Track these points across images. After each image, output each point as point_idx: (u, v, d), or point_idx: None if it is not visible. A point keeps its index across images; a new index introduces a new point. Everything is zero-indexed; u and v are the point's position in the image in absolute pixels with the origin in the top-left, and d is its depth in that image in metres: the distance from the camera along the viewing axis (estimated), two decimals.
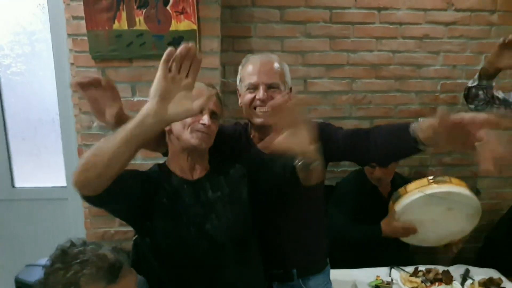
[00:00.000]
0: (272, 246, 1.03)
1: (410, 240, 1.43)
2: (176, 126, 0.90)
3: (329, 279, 1.17)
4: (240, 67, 1.05)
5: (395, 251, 1.55)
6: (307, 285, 1.08)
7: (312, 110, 1.86)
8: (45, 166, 1.92)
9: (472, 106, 1.35)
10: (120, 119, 0.87)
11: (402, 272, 1.44)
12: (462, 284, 1.38)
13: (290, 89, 1.05)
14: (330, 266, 1.17)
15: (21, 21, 1.79)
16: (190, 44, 0.65)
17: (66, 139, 1.82)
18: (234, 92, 1.73)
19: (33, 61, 1.83)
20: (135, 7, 1.47)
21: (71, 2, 1.48)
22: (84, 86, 0.85)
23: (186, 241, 0.88)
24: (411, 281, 1.37)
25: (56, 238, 2.06)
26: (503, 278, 1.40)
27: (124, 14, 1.47)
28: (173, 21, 1.49)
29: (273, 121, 0.77)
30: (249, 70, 0.99)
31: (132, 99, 1.53)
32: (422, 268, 1.45)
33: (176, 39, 1.50)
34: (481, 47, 1.87)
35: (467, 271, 1.46)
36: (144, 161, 1.55)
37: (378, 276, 1.41)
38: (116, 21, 1.47)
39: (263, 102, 0.96)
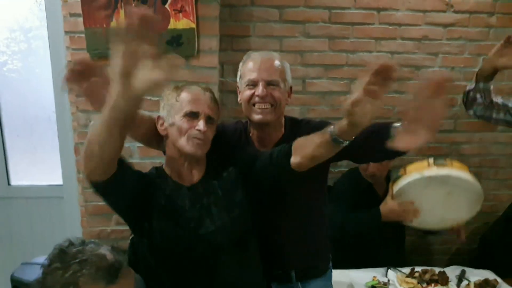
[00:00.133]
0: (271, 246, 1.03)
1: (410, 222, 1.38)
2: (172, 132, 0.90)
3: (331, 284, 1.17)
4: (240, 64, 1.04)
5: (392, 252, 1.56)
6: None
7: (311, 110, 1.86)
8: (41, 164, 1.91)
9: (471, 112, 1.32)
10: None
11: (398, 273, 1.45)
12: (458, 285, 1.38)
13: (291, 88, 1.05)
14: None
15: (17, 18, 1.77)
16: (137, 9, 0.57)
17: (63, 137, 1.81)
18: (233, 91, 1.73)
19: (30, 58, 1.82)
20: (133, 4, 1.45)
21: None
22: (72, 79, 0.81)
23: (183, 244, 0.88)
24: (407, 282, 1.38)
25: (52, 236, 2.06)
26: (499, 280, 1.41)
27: (122, 12, 1.46)
28: (171, 20, 1.48)
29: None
30: (249, 67, 0.99)
31: None
32: (418, 269, 1.45)
33: (175, 38, 1.49)
34: (479, 49, 1.88)
35: (463, 272, 1.46)
36: (142, 160, 1.54)
37: (374, 277, 1.41)
38: (114, 18, 1.46)
39: (262, 98, 0.96)
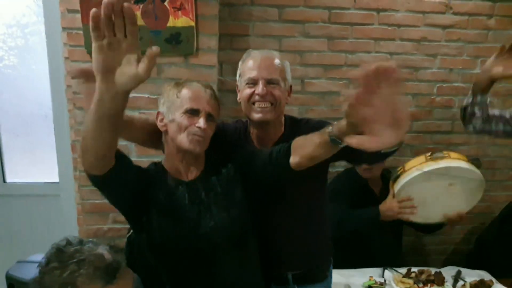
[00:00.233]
0: (269, 247, 1.03)
1: (415, 218, 1.39)
2: (172, 129, 0.89)
3: None
4: (240, 62, 1.03)
5: (388, 252, 1.56)
6: None
7: (309, 110, 1.86)
8: (37, 162, 1.90)
9: (470, 127, 1.28)
10: None
11: (395, 273, 1.45)
12: (454, 285, 1.39)
13: (290, 87, 1.04)
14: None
15: (14, 13, 1.75)
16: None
17: (60, 135, 1.79)
18: (232, 90, 1.73)
19: (26, 54, 1.80)
20: (132, 1, 1.44)
21: None
22: (87, 75, 0.82)
23: (182, 240, 0.88)
24: (403, 282, 1.39)
25: (48, 234, 2.05)
26: (494, 280, 1.42)
27: None
28: (170, 17, 1.47)
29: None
30: (249, 65, 0.98)
31: None
32: (414, 269, 1.46)
33: (174, 36, 1.48)
34: (478, 51, 1.89)
35: (459, 272, 1.47)
36: (139, 158, 1.53)
37: (371, 277, 1.42)
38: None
39: (262, 97, 0.95)
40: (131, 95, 1.54)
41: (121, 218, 0.96)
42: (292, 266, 1.06)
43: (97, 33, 0.56)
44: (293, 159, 0.83)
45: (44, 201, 1.89)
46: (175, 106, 0.89)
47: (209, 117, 0.90)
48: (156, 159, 1.01)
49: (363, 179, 1.63)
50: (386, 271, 1.46)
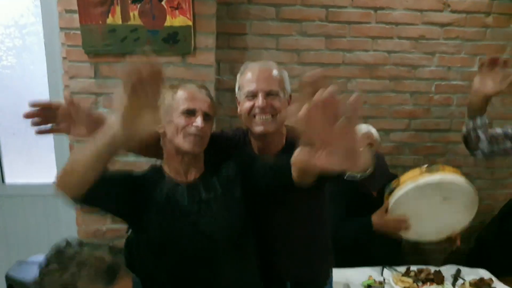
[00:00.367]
0: (268, 254, 1.02)
1: (410, 235, 1.40)
2: (169, 130, 0.90)
3: None
4: (238, 75, 1.03)
5: (388, 251, 1.56)
6: None
7: None
8: (36, 162, 1.90)
9: (479, 153, 1.22)
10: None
11: (394, 272, 1.45)
12: (454, 284, 1.39)
13: (290, 96, 1.04)
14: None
15: (12, 14, 1.75)
16: (154, 61, 0.64)
17: (58, 135, 1.79)
18: (229, 89, 1.73)
19: (24, 54, 1.80)
20: (129, 1, 1.44)
21: None
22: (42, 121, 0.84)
23: (182, 238, 0.88)
24: (403, 281, 1.38)
25: (47, 235, 2.05)
26: (494, 278, 1.41)
27: (118, 9, 1.45)
28: (168, 17, 1.47)
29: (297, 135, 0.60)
30: (247, 78, 0.98)
31: None
32: (414, 268, 1.45)
33: (171, 35, 1.48)
34: (476, 49, 1.89)
35: (458, 271, 1.47)
36: (137, 159, 1.53)
37: (370, 276, 1.41)
38: (110, 15, 1.45)
39: (263, 109, 0.95)
40: None
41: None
42: (291, 275, 1.05)
43: (131, 85, 0.62)
44: (293, 173, 0.80)
45: (43, 202, 1.88)
46: (172, 108, 0.89)
47: (206, 116, 0.90)
48: (153, 159, 1.01)
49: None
50: (385, 270, 1.46)
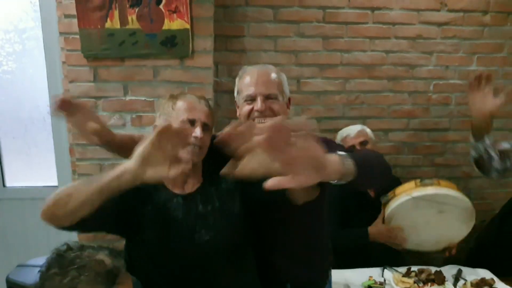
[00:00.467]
0: (268, 258, 1.02)
1: (407, 245, 1.42)
2: None
3: None
4: (237, 79, 1.04)
5: (388, 251, 1.55)
6: None
7: (305, 110, 1.86)
8: (36, 166, 1.91)
9: (494, 174, 1.20)
10: (101, 137, 0.89)
11: (394, 272, 1.44)
12: (455, 284, 1.38)
13: (289, 99, 1.04)
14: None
15: (11, 19, 1.77)
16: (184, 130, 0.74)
17: (58, 138, 1.81)
18: (227, 91, 1.74)
19: (24, 59, 1.82)
20: (127, 5, 1.45)
21: (63, 0, 1.47)
22: (68, 107, 0.85)
23: (176, 252, 0.88)
24: (403, 282, 1.37)
25: (47, 238, 2.04)
26: (495, 279, 1.40)
27: (116, 13, 1.46)
28: (166, 20, 1.48)
29: (229, 149, 0.75)
30: (246, 82, 0.98)
31: (124, 98, 1.52)
32: (414, 268, 1.45)
33: (169, 38, 1.49)
34: (473, 47, 1.89)
35: (460, 271, 1.46)
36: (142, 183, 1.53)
37: (370, 277, 1.40)
38: (108, 19, 1.46)
39: (262, 113, 0.95)
40: (128, 98, 1.56)
41: None
42: (291, 276, 1.05)
43: (160, 136, 0.69)
44: None
45: (43, 205, 1.89)
46: (171, 118, 0.90)
47: (205, 127, 0.91)
48: None
49: None
50: (385, 270, 1.45)
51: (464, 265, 1.50)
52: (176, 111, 0.90)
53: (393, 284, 1.37)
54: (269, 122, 0.52)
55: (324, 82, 1.85)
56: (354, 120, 1.88)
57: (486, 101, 1.11)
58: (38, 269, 0.74)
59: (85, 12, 1.44)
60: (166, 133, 0.68)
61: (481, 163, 1.20)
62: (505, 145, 1.19)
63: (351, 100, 1.88)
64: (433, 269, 1.44)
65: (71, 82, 1.51)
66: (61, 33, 1.54)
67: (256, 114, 0.95)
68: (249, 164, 0.65)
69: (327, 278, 1.13)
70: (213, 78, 1.63)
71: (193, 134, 0.88)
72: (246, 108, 0.97)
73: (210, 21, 1.53)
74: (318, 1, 1.76)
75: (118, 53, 1.49)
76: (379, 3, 1.79)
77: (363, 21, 1.81)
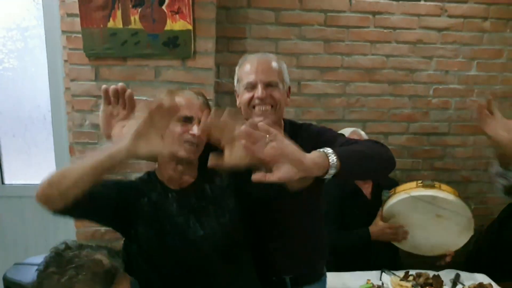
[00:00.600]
0: (266, 253, 1.02)
1: (402, 245, 1.42)
2: (165, 137, 0.89)
3: None
4: (237, 68, 1.03)
5: (386, 255, 1.55)
6: None
7: (306, 112, 1.87)
8: (35, 164, 1.90)
9: None
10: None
11: (392, 276, 1.44)
12: None
13: (289, 88, 1.04)
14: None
15: (14, 17, 1.78)
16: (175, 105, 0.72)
17: (58, 137, 1.81)
18: (228, 92, 1.74)
19: (26, 57, 1.82)
20: (130, 6, 1.46)
21: None
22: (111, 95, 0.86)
23: (171, 249, 0.88)
24: (401, 285, 1.37)
25: (45, 236, 2.04)
26: (493, 284, 1.40)
27: (119, 13, 1.46)
28: (168, 21, 1.49)
29: (213, 139, 0.77)
30: (246, 69, 0.98)
31: None
32: (412, 272, 1.45)
33: (171, 39, 1.50)
34: (473, 53, 1.90)
35: (458, 276, 1.46)
36: (136, 160, 1.54)
37: (368, 280, 1.40)
38: (111, 19, 1.47)
39: (262, 100, 0.94)
40: None
41: None
42: (290, 271, 1.05)
43: (152, 115, 0.69)
44: None
45: (38, 187, 1.89)
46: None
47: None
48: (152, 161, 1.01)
49: (353, 183, 1.63)
50: (383, 274, 1.45)
51: (463, 269, 1.51)
52: None
53: None
54: (242, 127, 0.61)
55: (324, 85, 1.86)
56: (354, 123, 1.89)
57: (504, 127, 1.08)
58: (36, 267, 0.73)
59: (88, 11, 1.45)
60: (158, 110, 0.69)
61: (508, 191, 1.18)
62: None
63: (351, 103, 1.89)
64: (431, 273, 1.44)
65: (72, 80, 1.52)
66: (63, 32, 1.55)
67: (256, 101, 0.95)
68: (233, 155, 0.69)
69: (323, 268, 1.14)
70: (214, 79, 1.63)
71: (190, 132, 0.87)
72: (246, 95, 0.96)
73: (212, 23, 1.54)
74: (320, 4, 1.77)
75: (120, 52, 1.49)
76: (380, 8, 1.81)
77: (364, 25, 1.82)
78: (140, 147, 0.68)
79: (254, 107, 0.96)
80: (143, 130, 0.69)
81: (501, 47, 1.91)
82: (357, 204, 1.58)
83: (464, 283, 1.40)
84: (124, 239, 1.34)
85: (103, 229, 1.62)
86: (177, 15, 1.49)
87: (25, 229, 1.91)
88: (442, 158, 2.00)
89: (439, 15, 1.84)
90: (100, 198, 0.81)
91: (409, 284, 1.37)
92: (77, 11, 1.44)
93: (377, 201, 1.46)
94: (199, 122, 0.89)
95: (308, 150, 0.73)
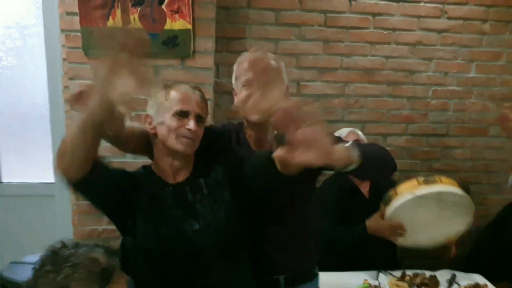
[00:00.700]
0: (260, 252, 1.02)
1: (404, 241, 1.41)
2: (161, 131, 0.89)
3: None
4: (235, 66, 1.03)
5: (383, 255, 1.56)
6: None
7: None
8: (33, 162, 1.90)
9: None
10: (119, 135, 0.89)
11: (389, 276, 1.45)
12: None
13: (287, 88, 1.03)
14: (318, 269, 1.17)
15: (13, 15, 1.77)
16: (130, 29, 0.67)
17: (56, 135, 1.80)
18: (228, 92, 1.74)
19: (25, 55, 1.82)
20: (130, 5, 1.46)
21: None
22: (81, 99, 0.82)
23: (166, 243, 0.88)
24: (398, 286, 1.38)
25: (42, 235, 2.04)
26: (489, 284, 1.41)
27: (118, 12, 1.46)
28: (168, 20, 1.48)
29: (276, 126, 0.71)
30: (245, 67, 0.97)
31: None
32: (409, 272, 1.45)
33: (171, 38, 1.49)
34: (472, 55, 1.90)
35: (454, 276, 1.47)
36: (135, 159, 1.54)
37: (365, 280, 1.41)
38: (110, 18, 1.46)
39: None
40: None
41: None
42: (284, 270, 1.05)
43: (108, 52, 0.65)
44: (277, 165, 0.82)
45: (39, 202, 1.89)
46: (164, 108, 0.89)
47: (198, 119, 0.90)
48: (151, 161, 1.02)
49: (351, 181, 1.63)
50: (380, 274, 1.46)
51: (461, 270, 1.51)
52: (170, 101, 0.88)
53: None
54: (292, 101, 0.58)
55: (323, 86, 1.86)
56: (353, 124, 1.89)
57: None
58: (32, 266, 0.73)
59: (87, 10, 1.45)
60: (118, 46, 0.64)
61: None
62: None
63: (350, 104, 1.90)
64: (427, 273, 1.45)
65: (71, 79, 1.51)
66: (62, 30, 1.54)
67: None
68: (261, 100, 0.67)
69: (316, 267, 1.15)
70: (213, 79, 1.63)
71: (187, 127, 0.87)
72: (244, 93, 0.95)
73: (212, 22, 1.53)
74: (320, 5, 1.77)
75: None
76: (380, 9, 1.81)
77: (364, 26, 1.82)
78: (111, 91, 0.66)
79: None
80: (109, 74, 0.65)
81: (500, 49, 1.91)
82: (356, 203, 1.58)
83: (460, 283, 1.41)
84: (121, 239, 1.34)
85: (100, 227, 1.61)
86: (177, 15, 1.48)
87: (22, 228, 1.90)
88: (441, 160, 2.01)
89: (438, 17, 1.85)
90: (108, 180, 0.85)
91: (405, 284, 1.38)
92: (77, 10, 1.44)
93: (376, 200, 1.46)
94: (195, 116, 0.88)
95: None
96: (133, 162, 1.52)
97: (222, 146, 1.04)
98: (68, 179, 0.78)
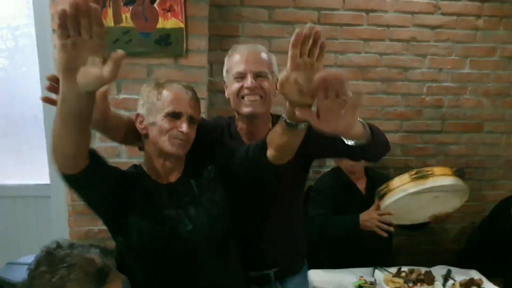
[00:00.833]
0: (249, 247, 1.02)
1: (401, 221, 1.42)
2: (153, 132, 0.88)
3: (307, 280, 1.17)
4: (226, 58, 1.02)
5: (379, 251, 1.57)
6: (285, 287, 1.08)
7: None
8: (28, 163, 1.89)
9: None
10: (106, 117, 0.87)
11: (385, 272, 1.46)
12: (444, 284, 1.40)
13: (277, 80, 1.04)
14: (315, 267, 1.17)
15: (4, 16, 1.76)
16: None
17: (50, 136, 1.79)
18: (221, 90, 1.72)
19: (17, 56, 1.80)
20: (121, 3, 1.45)
21: None
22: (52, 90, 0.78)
23: (161, 242, 0.88)
24: (393, 282, 1.39)
25: (38, 236, 2.03)
26: (484, 279, 1.42)
27: (110, 11, 1.45)
28: (160, 19, 1.47)
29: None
30: (236, 59, 0.97)
31: (117, 96, 1.52)
32: (405, 268, 1.46)
33: (163, 37, 1.49)
34: (466, 51, 1.90)
35: (449, 272, 1.48)
36: (130, 159, 1.53)
37: (361, 277, 1.42)
38: (102, 17, 1.45)
39: (252, 90, 0.94)
40: (121, 96, 1.53)
41: None
42: (274, 264, 1.06)
43: (62, 31, 0.57)
44: (269, 152, 0.83)
45: (35, 203, 1.88)
46: (156, 108, 0.87)
47: (191, 120, 0.89)
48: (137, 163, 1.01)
49: (348, 177, 1.64)
50: (376, 270, 1.47)
51: (456, 266, 1.52)
52: (162, 102, 0.86)
53: (383, 284, 1.38)
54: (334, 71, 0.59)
55: None
56: None
57: None
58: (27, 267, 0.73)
59: None
60: (68, 21, 0.55)
61: None
62: None
63: None
64: (423, 269, 1.46)
65: (48, 84, 1.50)
66: (54, 30, 1.53)
67: (246, 91, 0.94)
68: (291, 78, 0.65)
69: (304, 259, 1.16)
70: (207, 78, 1.63)
71: (179, 129, 0.86)
72: (236, 85, 0.96)
73: (205, 21, 1.53)
74: (313, 2, 1.77)
75: (112, 51, 1.48)
76: (374, 6, 1.80)
77: (358, 23, 1.81)
78: (79, 79, 0.59)
79: (243, 97, 0.95)
80: (68, 57, 0.58)
81: (494, 45, 1.91)
82: (352, 199, 1.59)
83: (456, 279, 1.42)
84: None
85: (96, 228, 1.61)
86: (169, 13, 1.47)
87: (18, 229, 1.90)
88: (435, 156, 2.01)
89: (432, 13, 1.84)
90: (106, 174, 0.83)
91: (401, 281, 1.38)
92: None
93: (372, 196, 1.47)
94: (187, 118, 0.87)
95: None
96: (127, 161, 1.51)
97: (214, 141, 1.04)
98: (66, 175, 0.76)
